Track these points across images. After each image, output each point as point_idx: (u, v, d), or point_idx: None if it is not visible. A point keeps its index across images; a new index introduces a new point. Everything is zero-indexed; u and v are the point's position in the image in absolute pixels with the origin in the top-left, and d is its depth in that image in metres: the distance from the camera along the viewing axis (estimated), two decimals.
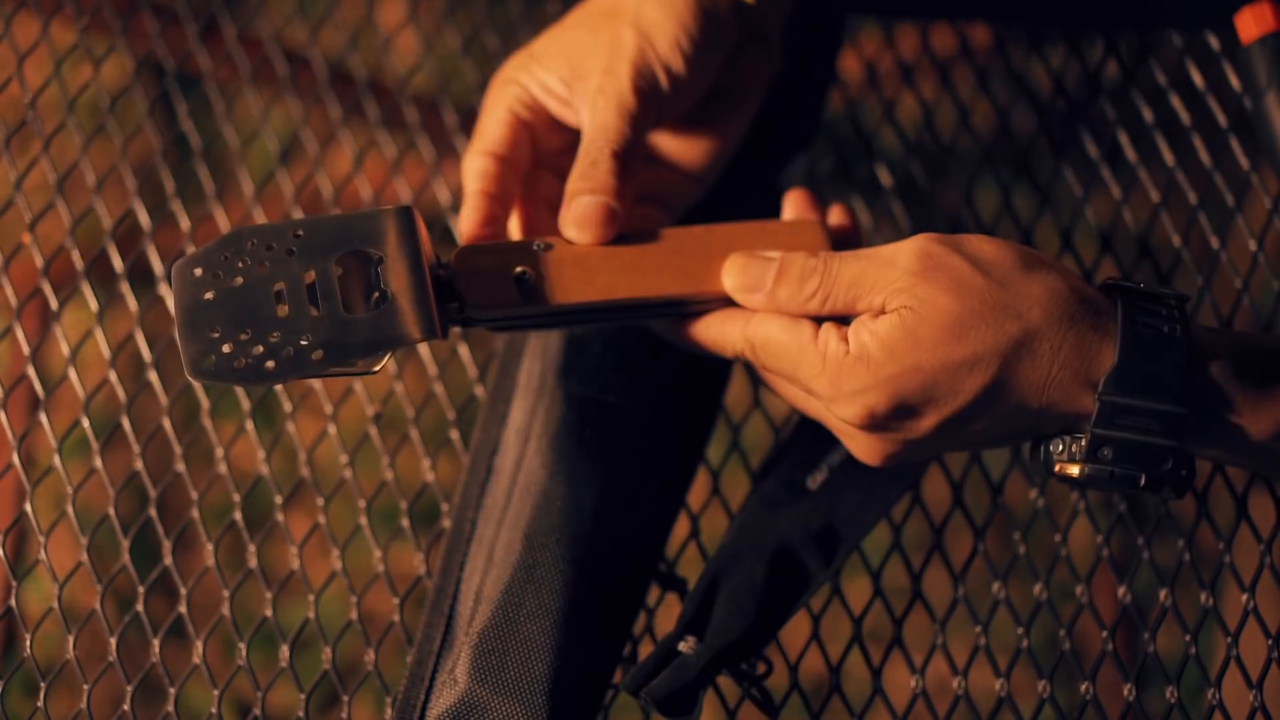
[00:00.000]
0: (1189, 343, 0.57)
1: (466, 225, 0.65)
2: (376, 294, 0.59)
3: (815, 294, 0.60)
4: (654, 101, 0.65)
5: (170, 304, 0.79)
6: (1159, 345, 0.57)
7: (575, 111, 0.66)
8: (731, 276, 0.62)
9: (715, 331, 0.62)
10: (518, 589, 0.65)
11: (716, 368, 0.72)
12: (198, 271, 0.57)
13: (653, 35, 0.65)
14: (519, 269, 0.61)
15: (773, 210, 0.69)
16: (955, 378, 0.57)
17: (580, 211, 0.63)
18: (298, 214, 0.82)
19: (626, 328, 0.69)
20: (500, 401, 0.71)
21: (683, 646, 0.64)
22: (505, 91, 0.67)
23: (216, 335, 0.57)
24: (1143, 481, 0.58)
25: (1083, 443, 0.58)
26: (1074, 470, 0.58)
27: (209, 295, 0.57)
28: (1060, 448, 0.59)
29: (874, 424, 0.59)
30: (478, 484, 0.69)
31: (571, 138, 0.67)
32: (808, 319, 0.60)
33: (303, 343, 0.58)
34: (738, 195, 0.72)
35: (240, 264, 0.58)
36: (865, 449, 0.61)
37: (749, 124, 0.70)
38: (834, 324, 0.59)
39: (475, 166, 0.66)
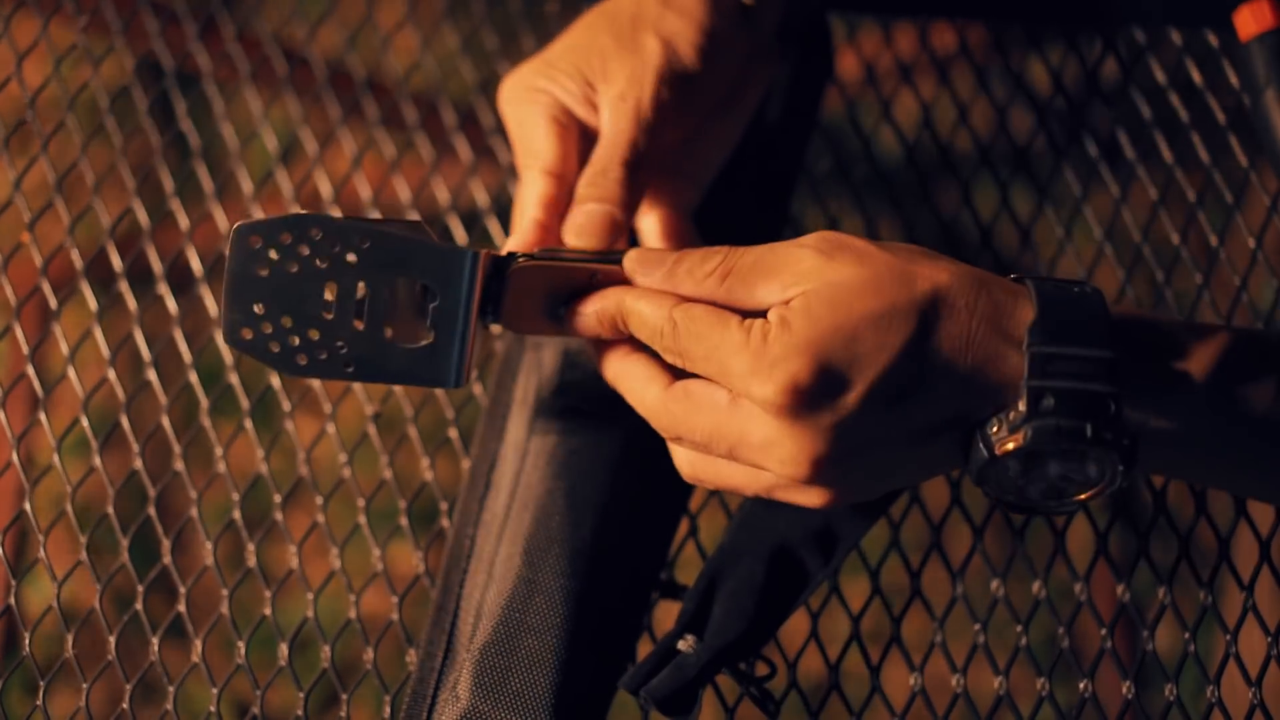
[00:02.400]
0: (1102, 296, 0.57)
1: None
2: (421, 330, 0.60)
3: (715, 271, 0.58)
4: (672, 111, 0.65)
5: (170, 303, 0.79)
6: (1074, 298, 0.57)
7: (595, 118, 0.66)
8: (632, 259, 0.60)
9: (643, 306, 0.59)
10: (519, 603, 0.65)
11: None
12: (256, 242, 0.57)
13: (676, 43, 0.65)
14: (566, 298, 0.61)
15: (755, 216, 0.69)
16: (876, 332, 0.55)
17: (584, 220, 0.63)
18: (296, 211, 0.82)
19: None
20: (497, 417, 0.71)
21: (682, 645, 0.64)
22: (537, 102, 0.66)
23: (259, 311, 0.58)
24: (1089, 432, 0.55)
25: (1020, 406, 0.55)
26: (1018, 439, 0.55)
27: (263, 271, 0.58)
28: (997, 426, 0.56)
29: (800, 399, 0.55)
30: (476, 499, 0.69)
31: (586, 143, 0.67)
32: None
33: (340, 350, 0.59)
34: (725, 202, 0.72)
35: (301, 250, 0.58)
36: (795, 454, 0.56)
37: (744, 130, 0.70)
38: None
39: (536, 191, 0.65)
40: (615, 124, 0.64)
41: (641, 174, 0.64)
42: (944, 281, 0.56)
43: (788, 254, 0.57)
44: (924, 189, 0.83)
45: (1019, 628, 0.71)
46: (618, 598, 0.67)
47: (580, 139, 0.67)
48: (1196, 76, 0.82)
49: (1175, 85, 0.83)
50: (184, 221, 0.82)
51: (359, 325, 0.59)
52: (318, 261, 0.58)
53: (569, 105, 0.66)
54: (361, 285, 0.58)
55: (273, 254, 0.58)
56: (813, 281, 0.56)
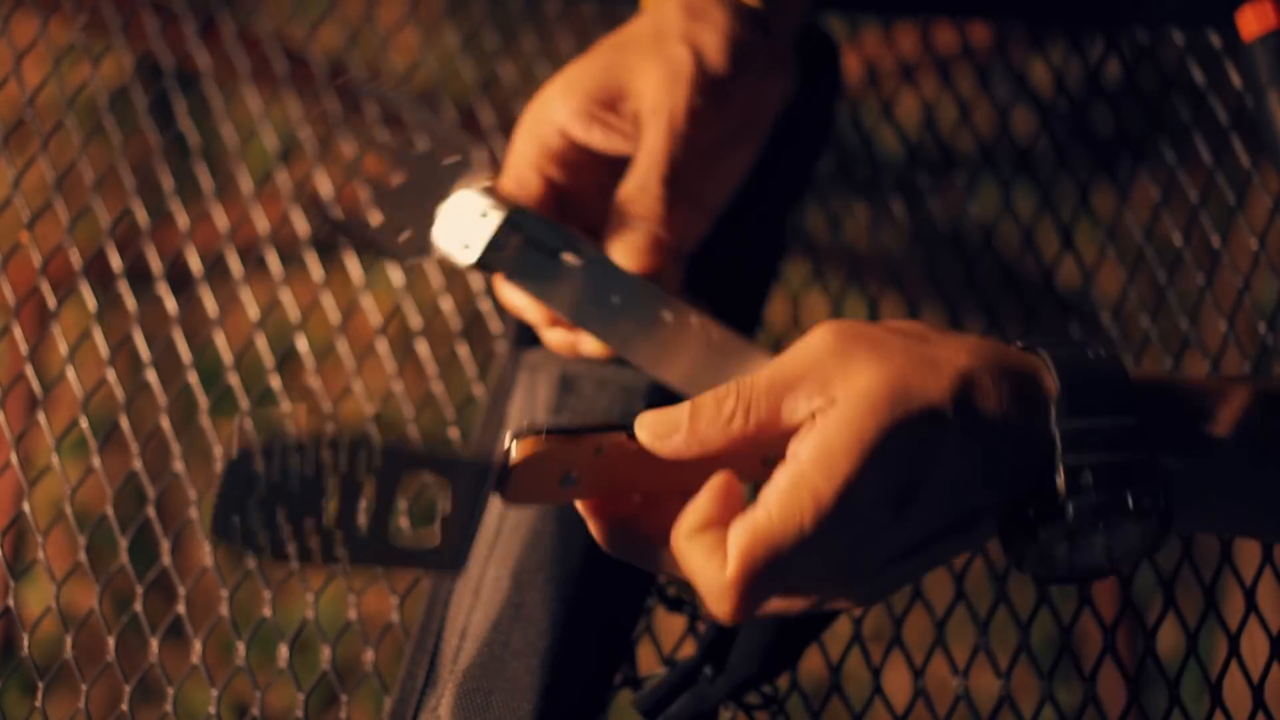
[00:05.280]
0: (1119, 361, 0.55)
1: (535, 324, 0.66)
2: (427, 532, 0.58)
3: (735, 411, 0.54)
4: (705, 120, 0.64)
5: (169, 303, 0.79)
6: (1092, 365, 0.55)
7: (622, 136, 0.65)
8: (645, 429, 0.56)
9: (697, 566, 0.53)
10: (504, 627, 0.64)
11: None
12: (259, 463, 0.56)
13: (705, 50, 0.64)
14: (569, 471, 0.58)
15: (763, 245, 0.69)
16: (926, 431, 0.52)
17: (631, 238, 0.63)
18: (296, 215, 0.82)
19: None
20: (488, 439, 0.70)
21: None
22: (531, 144, 0.65)
23: (254, 507, 0.56)
24: (1130, 503, 0.53)
25: (1058, 483, 0.53)
26: (1061, 519, 0.53)
27: (264, 474, 0.56)
28: (1035, 508, 0.54)
29: (865, 514, 0.52)
30: None
31: (609, 168, 0.66)
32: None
33: (336, 545, 0.57)
34: (733, 230, 0.70)
35: (312, 457, 0.56)
36: (865, 566, 0.53)
37: (757, 153, 0.68)
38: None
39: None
40: (650, 139, 0.63)
41: (683, 191, 0.63)
42: (966, 365, 0.53)
43: (800, 361, 0.54)
44: (925, 189, 0.82)
45: (1020, 629, 0.71)
46: (605, 624, 0.66)
47: (579, 172, 0.66)
48: (1199, 77, 0.82)
49: (1178, 85, 0.83)
50: (183, 221, 0.82)
51: (360, 522, 0.57)
52: (325, 476, 0.56)
53: (577, 138, 0.65)
54: (368, 497, 0.57)
55: (278, 460, 0.56)
56: (838, 390, 0.53)
